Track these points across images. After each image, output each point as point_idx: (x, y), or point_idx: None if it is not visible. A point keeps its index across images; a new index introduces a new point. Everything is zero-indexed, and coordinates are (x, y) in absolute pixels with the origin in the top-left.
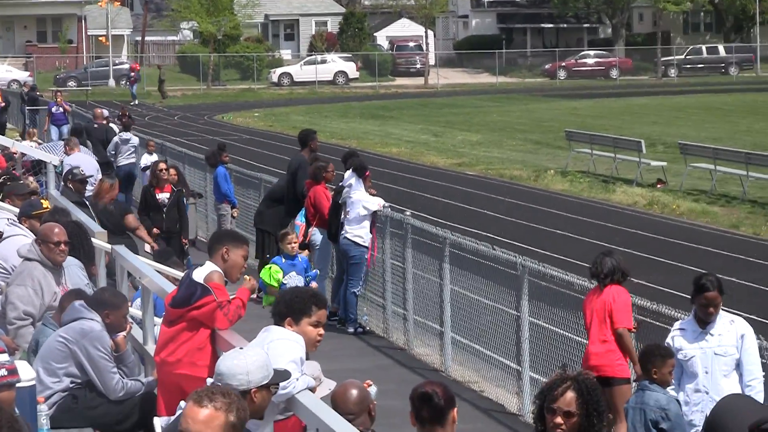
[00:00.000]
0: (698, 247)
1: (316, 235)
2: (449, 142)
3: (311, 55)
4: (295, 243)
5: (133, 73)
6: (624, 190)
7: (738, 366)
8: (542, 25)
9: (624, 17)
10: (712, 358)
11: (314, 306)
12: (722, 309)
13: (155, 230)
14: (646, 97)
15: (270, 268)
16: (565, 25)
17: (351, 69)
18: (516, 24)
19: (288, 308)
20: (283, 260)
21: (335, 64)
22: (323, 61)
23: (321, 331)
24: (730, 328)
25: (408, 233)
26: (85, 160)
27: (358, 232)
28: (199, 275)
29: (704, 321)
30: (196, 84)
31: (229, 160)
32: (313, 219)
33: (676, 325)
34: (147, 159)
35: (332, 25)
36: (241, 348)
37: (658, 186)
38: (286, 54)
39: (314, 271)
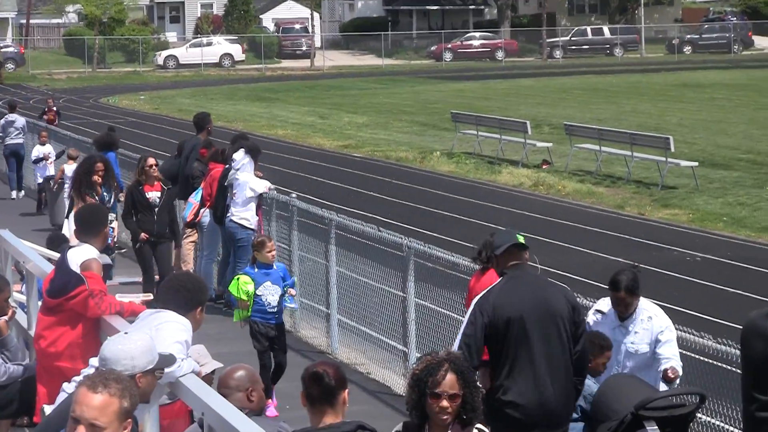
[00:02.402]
0: (584, 227)
1: (207, 217)
2: (336, 124)
3: (197, 37)
4: (274, 251)
5: None
6: (510, 171)
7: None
8: (428, 6)
9: None
10: (625, 354)
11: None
12: (648, 300)
13: (143, 235)
14: (532, 79)
15: (238, 279)
16: (450, 7)
17: (237, 51)
18: (401, 6)
19: (202, 294)
20: (256, 269)
21: (221, 46)
22: (209, 44)
23: None
24: (648, 326)
25: (294, 215)
26: None
27: (244, 214)
28: (75, 260)
29: (620, 316)
30: (82, 67)
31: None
32: (208, 200)
33: (598, 305)
34: (39, 150)
35: (218, 8)
36: (125, 333)
37: (544, 167)
38: (171, 37)
39: (292, 278)
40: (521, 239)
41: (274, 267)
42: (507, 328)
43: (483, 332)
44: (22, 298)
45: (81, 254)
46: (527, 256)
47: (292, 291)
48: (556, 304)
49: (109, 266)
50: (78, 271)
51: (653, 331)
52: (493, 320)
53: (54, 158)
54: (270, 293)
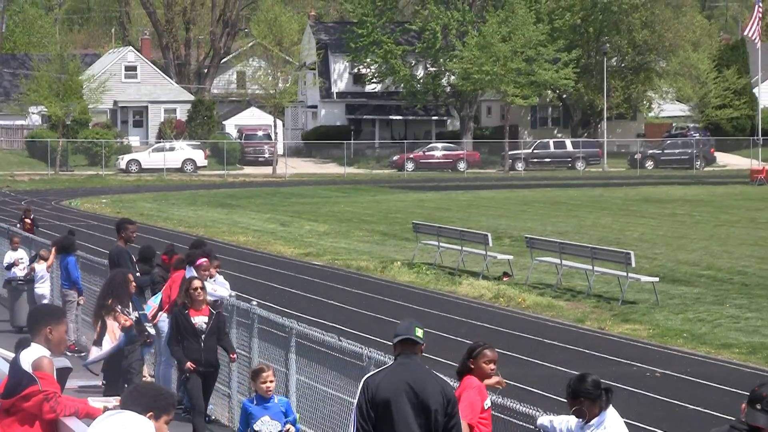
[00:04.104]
0: (543, 341)
1: (164, 322)
2: (296, 231)
3: (160, 142)
4: (271, 382)
5: None
6: (470, 282)
7: None
8: (391, 116)
9: (472, 110)
10: None
11: (173, 406)
12: (615, 414)
13: (190, 365)
14: (494, 191)
15: None
16: (413, 118)
17: (199, 157)
18: (365, 115)
19: (152, 401)
20: (254, 402)
21: (183, 151)
22: (172, 149)
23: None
24: None
25: (254, 323)
26: None
27: None
28: (26, 360)
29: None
30: (44, 169)
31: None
32: (167, 302)
33: None
34: (11, 256)
35: (181, 113)
36: None
37: (504, 279)
38: (134, 141)
39: (294, 415)
40: (419, 333)
41: (275, 400)
42: (382, 408)
43: (367, 406)
44: None
45: (31, 354)
46: (422, 349)
47: (292, 429)
48: (430, 394)
49: (68, 370)
50: (30, 371)
51: None
52: (373, 398)
53: (27, 264)
54: (267, 428)
